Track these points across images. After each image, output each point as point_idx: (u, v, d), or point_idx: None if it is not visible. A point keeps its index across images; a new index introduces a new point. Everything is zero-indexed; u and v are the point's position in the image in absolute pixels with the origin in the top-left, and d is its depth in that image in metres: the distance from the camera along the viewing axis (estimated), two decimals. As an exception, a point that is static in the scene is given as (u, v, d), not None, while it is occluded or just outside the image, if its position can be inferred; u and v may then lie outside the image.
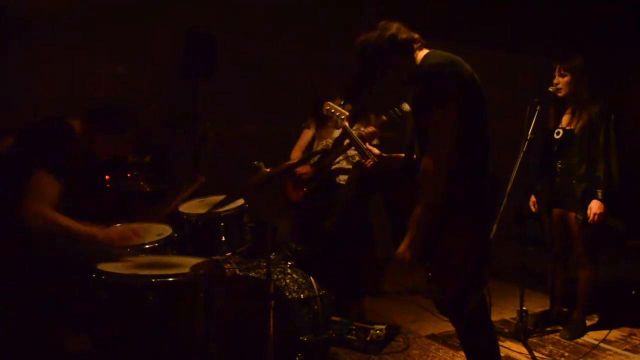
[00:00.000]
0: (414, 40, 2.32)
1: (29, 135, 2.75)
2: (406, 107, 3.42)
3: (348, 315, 3.82)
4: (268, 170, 2.46)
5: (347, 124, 2.79)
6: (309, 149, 4.21)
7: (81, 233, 2.65)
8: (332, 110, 2.86)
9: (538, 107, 3.40)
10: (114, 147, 2.92)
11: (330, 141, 4.12)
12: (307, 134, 4.17)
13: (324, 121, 4.07)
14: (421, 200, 2.19)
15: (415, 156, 2.44)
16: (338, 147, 2.75)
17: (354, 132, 2.96)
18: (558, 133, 3.58)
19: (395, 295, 4.29)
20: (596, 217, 3.40)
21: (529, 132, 3.38)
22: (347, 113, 2.83)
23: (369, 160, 2.61)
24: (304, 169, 4.02)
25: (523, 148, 3.37)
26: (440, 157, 2.16)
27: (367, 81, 2.40)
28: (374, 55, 2.29)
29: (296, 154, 4.15)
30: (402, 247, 2.23)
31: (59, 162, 2.65)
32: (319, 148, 4.10)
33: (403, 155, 2.55)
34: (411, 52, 2.30)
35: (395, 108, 3.92)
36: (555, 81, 3.52)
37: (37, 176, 2.57)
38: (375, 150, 2.66)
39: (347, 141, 2.79)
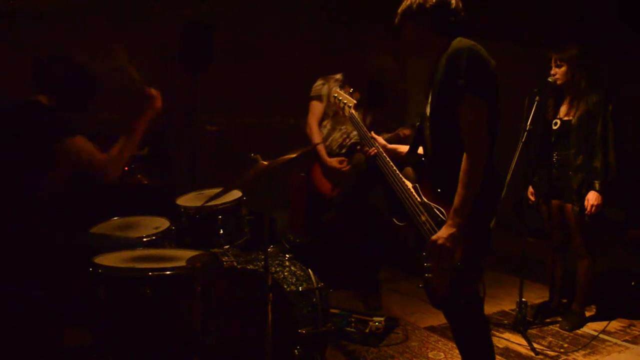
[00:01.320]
0: (459, 27, 2.27)
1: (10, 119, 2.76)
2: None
3: (367, 305, 3.87)
4: (266, 163, 2.45)
5: (354, 112, 2.77)
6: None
7: (133, 141, 2.83)
8: (340, 98, 2.85)
9: (537, 98, 3.39)
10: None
11: (350, 128, 4.05)
12: (319, 107, 4.07)
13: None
14: (461, 185, 2.12)
15: (422, 148, 2.41)
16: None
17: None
18: (556, 124, 3.56)
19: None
20: (593, 208, 3.39)
21: (528, 123, 3.36)
22: (354, 101, 2.81)
23: (373, 148, 2.58)
24: (343, 163, 3.97)
25: (522, 139, 3.36)
26: (480, 149, 2.11)
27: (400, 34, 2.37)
28: (412, 13, 2.28)
29: (316, 130, 4.03)
30: (443, 234, 2.15)
31: (72, 125, 2.71)
32: (348, 142, 4.04)
33: (408, 147, 2.52)
34: (447, 36, 2.25)
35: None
36: (552, 72, 3.51)
37: (70, 145, 2.65)
38: (381, 140, 2.63)
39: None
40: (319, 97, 4.07)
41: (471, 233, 2.18)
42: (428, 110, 2.32)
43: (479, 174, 2.12)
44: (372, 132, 2.66)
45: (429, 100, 2.31)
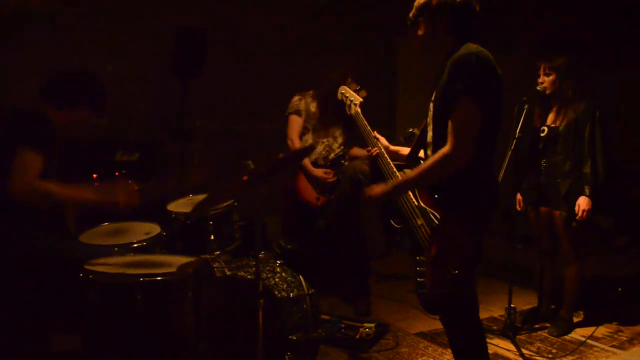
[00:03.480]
0: (472, 32, 2.26)
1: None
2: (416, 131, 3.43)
3: (356, 310, 3.89)
4: (257, 169, 2.46)
5: (359, 110, 2.79)
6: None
7: (73, 196, 2.63)
8: (347, 95, 2.87)
9: (526, 106, 3.42)
10: (70, 121, 2.82)
11: (332, 141, 4.11)
12: (298, 120, 4.11)
13: (325, 114, 4.05)
14: (421, 170, 2.20)
15: (423, 151, 2.44)
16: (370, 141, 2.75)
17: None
18: (543, 131, 3.60)
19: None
20: (584, 213, 3.42)
21: (517, 131, 3.40)
22: (361, 99, 2.82)
23: (375, 148, 2.60)
24: (328, 174, 4.02)
25: (511, 146, 3.39)
26: (461, 147, 2.11)
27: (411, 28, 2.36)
28: (431, 10, 2.26)
29: (298, 143, 4.08)
30: (380, 187, 2.28)
31: (38, 136, 2.61)
32: (332, 154, 4.09)
33: (409, 149, 2.53)
34: (458, 38, 2.23)
35: (410, 129, 3.96)
36: (540, 80, 3.53)
37: (19, 154, 2.53)
38: (384, 141, 2.64)
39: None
40: (297, 112, 4.13)
41: (466, 239, 2.20)
42: (431, 114, 2.32)
43: (444, 173, 2.17)
44: (375, 132, 2.68)
45: (432, 103, 2.31)
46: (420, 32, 2.32)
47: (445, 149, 2.14)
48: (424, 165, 2.22)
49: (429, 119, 2.33)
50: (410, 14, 2.35)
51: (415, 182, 2.25)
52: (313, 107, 4.12)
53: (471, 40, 2.22)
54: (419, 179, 2.23)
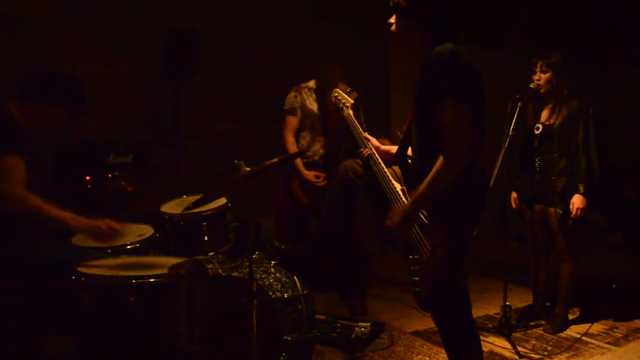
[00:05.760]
0: (448, 33, 2.22)
1: None
2: None
3: (351, 310, 3.89)
4: (249, 169, 2.46)
5: (351, 112, 2.79)
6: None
7: (53, 215, 2.58)
8: (339, 98, 2.88)
9: (519, 104, 3.42)
10: (43, 119, 2.75)
11: (329, 138, 4.09)
12: (294, 120, 4.09)
13: (324, 112, 4.04)
14: (427, 181, 2.12)
15: (410, 150, 2.43)
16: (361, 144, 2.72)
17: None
18: (538, 128, 3.60)
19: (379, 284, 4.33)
20: (579, 211, 3.42)
21: (511, 129, 3.40)
22: (352, 101, 2.83)
23: (367, 149, 2.60)
24: (318, 178, 4.01)
25: (505, 145, 3.39)
26: (461, 150, 2.09)
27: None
28: (402, 9, 2.24)
29: (292, 143, 4.06)
30: (395, 215, 2.21)
31: (17, 141, 2.58)
32: (329, 152, 4.07)
33: (396, 148, 2.53)
34: (434, 40, 2.21)
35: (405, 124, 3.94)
36: (536, 78, 3.53)
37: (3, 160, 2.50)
38: (374, 141, 2.65)
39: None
40: (292, 110, 4.09)
41: (454, 237, 2.20)
42: (414, 113, 2.32)
43: (448, 179, 2.11)
44: (366, 133, 2.68)
45: (414, 103, 2.30)
46: (393, 29, 2.31)
47: (445, 155, 2.10)
48: (429, 177, 2.13)
49: (413, 118, 2.33)
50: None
51: (424, 195, 2.15)
52: (309, 102, 4.09)
53: (450, 41, 2.19)
54: (427, 192, 2.14)
